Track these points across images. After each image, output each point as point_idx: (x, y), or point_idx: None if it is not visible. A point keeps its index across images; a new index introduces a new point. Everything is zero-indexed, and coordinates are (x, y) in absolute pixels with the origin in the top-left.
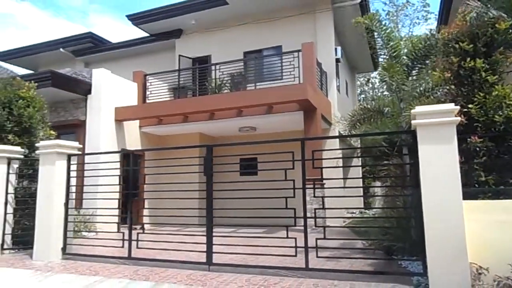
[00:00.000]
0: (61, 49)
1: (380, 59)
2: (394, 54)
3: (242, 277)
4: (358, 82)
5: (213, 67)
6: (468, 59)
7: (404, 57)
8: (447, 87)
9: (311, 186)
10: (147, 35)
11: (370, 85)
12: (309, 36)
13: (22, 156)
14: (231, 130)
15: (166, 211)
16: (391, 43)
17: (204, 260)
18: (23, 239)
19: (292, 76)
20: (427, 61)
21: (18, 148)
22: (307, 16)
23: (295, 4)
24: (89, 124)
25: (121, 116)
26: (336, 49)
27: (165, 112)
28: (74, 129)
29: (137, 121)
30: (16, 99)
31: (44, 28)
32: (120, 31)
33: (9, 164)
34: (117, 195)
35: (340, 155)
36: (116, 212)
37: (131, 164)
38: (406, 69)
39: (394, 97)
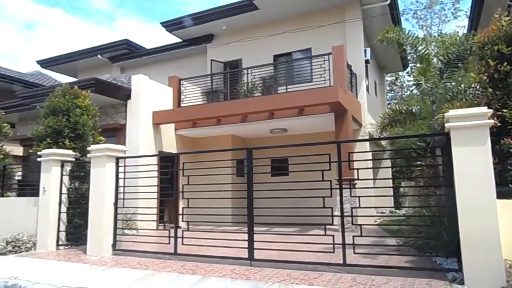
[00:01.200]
0: (98, 56)
1: (413, 64)
2: (424, 58)
3: (283, 271)
4: (387, 81)
5: (244, 71)
6: (505, 63)
7: (435, 60)
8: (481, 90)
9: (346, 186)
10: (179, 40)
11: (399, 84)
12: (338, 38)
13: (73, 159)
14: (263, 132)
15: (202, 210)
16: (420, 48)
17: (246, 256)
18: (75, 236)
19: (323, 79)
20: (459, 64)
21: (70, 152)
22: (336, 19)
23: (324, 7)
24: (129, 127)
25: (158, 119)
26: (365, 50)
27: (200, 116)
28: (115, 132)
29: (173, 124)
30: (73, 108)
31: (75, 33)
32: (145, 33)
33: (62, 166)
34: (156, 196)
35: (371, 156)
36: (155, 211)
37: (175, 166)
38: (438, 72)
39: (427, 99)
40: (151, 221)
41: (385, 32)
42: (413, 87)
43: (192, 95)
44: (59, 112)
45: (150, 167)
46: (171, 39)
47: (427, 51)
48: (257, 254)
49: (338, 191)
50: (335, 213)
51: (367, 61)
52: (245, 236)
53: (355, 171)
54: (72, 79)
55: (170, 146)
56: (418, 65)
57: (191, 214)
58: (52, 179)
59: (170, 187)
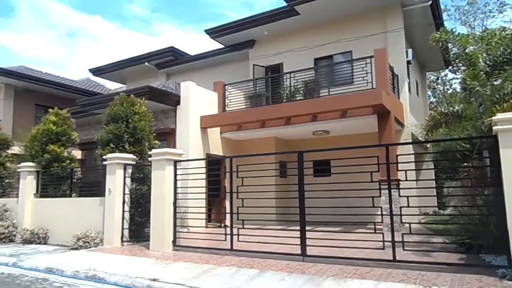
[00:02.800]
0: (146, 63)
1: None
2: (470, 61)
3: (335, 267)
4: (428, 79)
5: (286, 75)
6: None
7: (482, 63)
8: None
9: (392, 187)
10: (221, 46)
11: (441, 83)
12: (379, 40)
13: (134, 162)
14: (305, 134)
15: (253, 209)
16: (467, 51)
17: (299, 252)
18: (136, 233)
19: (364, 81)
20: (506, 67)
21: (131, 155)
22: (376, 21)
23: (365, 10)
24: (179, 131)
25: (206, 124)
26: (407, 51)
27: (245, 119)
28: (165, 136)
29: (218, 128)
30: (131, 114)
31: (114, 40)
32: (181, 37)
33: (125, 169)
34: (205, 196)
35: (415, 158)
36: (205, 210)
37: (231, 168)
38: (485, 75)
39: (473, 100)
40: (201, 219)
41: (436, 35)
42: (457, 85)
43: (236, 99)
44: (119, 119)
45: (201, 169)
46: (206, 42)
47: (475, 53)
48: (308, 251)
49: (380, 191)
50: (378, 213)
51: (409, 62)
52: (296, 234)
53: (398, 171)
54: (118, 85)
55: (216, 148)
56: (463, 68)
57: (244, 213)
58: (117, 181)
59: (218, 188)
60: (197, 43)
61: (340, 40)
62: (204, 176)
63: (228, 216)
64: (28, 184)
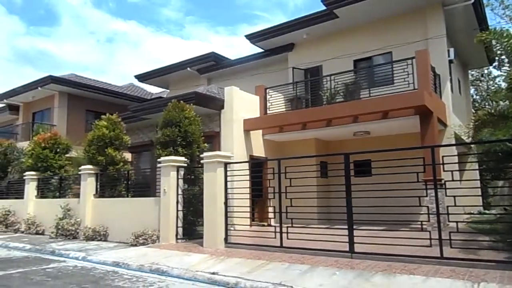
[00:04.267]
0: (188, 69)
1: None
2: None
3: (383, 263)
4: (472, 76)
5: (326, 77)
6: None
7: None
8: None
9: (435, 187)
10: (261, 50)
11: (484, 80)
12: (420, 40)
13: (186, 165)
14: (346, 135)
15: (294, 208)
16: None
17: (347, 249)
18: (188, 231)
19: (406, 82)
20: None
21: (183, 158)
22: (417, 21)
23: (405, 10)
24: (223, 134)
25: (248, 126)
26: (449, 50)
27: (286, 122)
28: (210, 139)
29: (260, 130)
30: (183, 119)
31: (150, 44)
32: (214, 39)
33: (177, 171)
34: (249, 196)
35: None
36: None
37: (279, 169)
38: None
39: None
40: (246, 218)
41: (481, 35)
42: (502, 82)
43: (277, 102)
44: (173, 123)
45: (246, 171)
46: (239, 43)
47: None
48: (356, 248)
49: (422, 191)
50: (423, 212)
51: (450, 61)
52: (341, 232)
53: (443, 172)
54: (159, 90)
55: (259, 150)
56: (508, 65)
57: (291, 212)
58: (171, 182)
59: (260, 189)
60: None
61: (379, 41)
62: (248, 177)
63: (271, 215)
64: (88, 185)
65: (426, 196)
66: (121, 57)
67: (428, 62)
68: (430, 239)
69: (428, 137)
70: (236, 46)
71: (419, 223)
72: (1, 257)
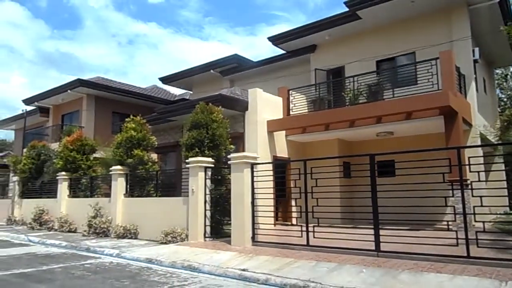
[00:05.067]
0: (211, 71)
1: None
2: None
3: (409, 262)
4: (497, 74)
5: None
6: None
7: None
8: None
9: (462, 187)
10: (283, 52)
11: (510, 78)
12: (444, 40)
13: (213, 165)
14: (369, 135)
15: (319, 208)
16: None
17: (372, 248)
18: (215, 229)
19: (430, 83)
20: None
21: (210, 159)
22: (440, 21)
23: (428, 10)
24: (247, 135)
25: (272, 127)
26: (473, 50)
27: (309, 123)
28: (234, 140)
29: (283, 131)
30: (210, 121)
31: (169, 45)
32: (233, 40)
33: (205, 171)
34: (272, 196)
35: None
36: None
37: (305, 170)
38: None
39: None
40: (270, 217)
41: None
42: None
43: (299, 103)
44: (200, 125)
45: (270, 172)
46: (259, 44)
47: None
48: (381, 247)
49: (446, 191)
50: (448, 212)
51: (475, 61)
52: (366, 231)
53: (469, 172)
54: (182, 91)
55: (282, 151)
56: None
57: (317, 212)
58: (199, 182)
59: (283, 189)
60: (248, 44)
61: (402, 41)
62: (272, 177)
63: (294, 214)
64: (119, 185)
65: (452, 196)
66: (141, 59)
67: (452, 62)
68: (457, 238)
69: (453, 137)
70: (255, 46)
71: (443, 223)
72: (41, 253)
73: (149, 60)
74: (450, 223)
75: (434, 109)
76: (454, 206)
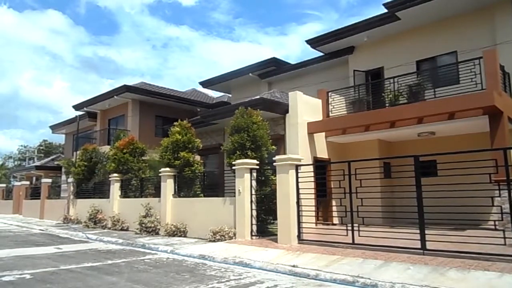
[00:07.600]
0: (250, 74)
1: None
2: None
3: (456, 260)
4: None
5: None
6: None
7: None
8: None
9: (509, 187)
10: (321, 54)
11: None
12: (486, 38)
13: (257, 167)
14: (410, 136)
15: (362, 208)
16: None
17: (418, 247)
18: (261, 228)
19: (473, 82)
20: None
21: (254, 161)
22: (483, 19)
23: (470, 9)
24: (288, 137)
25: (312, 129)
26: None
27: (349, 125)
28: (275, 142)
29: (323, 132)
30: (251, 124)
31: (201, 47)
32: (263, 40)
33: (250, 173)
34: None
35: None
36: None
37: (349, 171)
38: None
39: None
40: (312, 216)
41: None
42: None
43: (339, 105)
44: (241, 129)
45: (311, 173)
46: (290, 44)
47: None
48: (427, 246)
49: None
50: (494, 212)
51: None
52: (410, 230)
53: None
54: (219, 94)
55: (322, 152)
56: None
57: (361, 211)
58: (245, 183)
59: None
60: (279, 43)
61: (443, 40)
62: (313, 178)
63: (334, 214)
64: (168, 186)
65: (499, 196)
66: (174, 62)
67: (496, 61)
68: (504, 238)
69: (499, 137)
70: (286, 46)
71: (489, 223)
72: (102, 249)
73: (182, 62)
74: (497, 222)
75: (477, 109)
76: (501, 206)
